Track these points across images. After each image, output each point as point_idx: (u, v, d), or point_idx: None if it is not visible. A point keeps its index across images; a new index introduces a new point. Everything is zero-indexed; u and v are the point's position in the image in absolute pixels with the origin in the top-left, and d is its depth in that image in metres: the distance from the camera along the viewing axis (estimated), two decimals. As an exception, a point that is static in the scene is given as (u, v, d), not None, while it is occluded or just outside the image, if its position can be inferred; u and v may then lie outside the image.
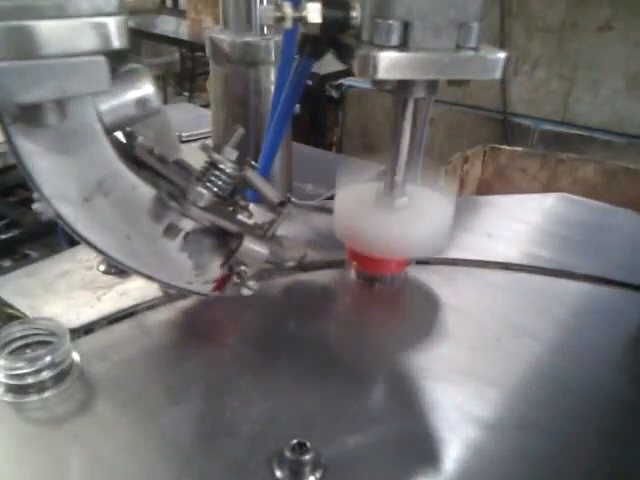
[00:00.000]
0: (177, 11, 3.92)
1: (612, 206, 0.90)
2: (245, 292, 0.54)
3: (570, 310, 0.64)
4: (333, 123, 2.74)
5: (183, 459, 0.45)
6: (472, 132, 2.38)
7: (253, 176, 0.58)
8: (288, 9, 0.51)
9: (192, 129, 1.55)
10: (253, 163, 0.60)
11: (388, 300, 0.66)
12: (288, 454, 0.44)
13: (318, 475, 0.44)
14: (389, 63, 0.50)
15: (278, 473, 0.44)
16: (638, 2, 1.94)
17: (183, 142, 1.50)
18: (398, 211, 0.61)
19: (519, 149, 2.04)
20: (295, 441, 0.44)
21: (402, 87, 0.55)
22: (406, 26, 0.50)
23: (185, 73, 3.99)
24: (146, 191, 0.49)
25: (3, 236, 2.43)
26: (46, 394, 0.49)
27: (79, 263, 0.67)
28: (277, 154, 1.24)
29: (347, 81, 2.60)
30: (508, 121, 2.30)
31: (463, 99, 2.35)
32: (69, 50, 0.37)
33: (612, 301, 0.67)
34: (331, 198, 0.87)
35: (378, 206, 0.62)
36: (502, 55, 0.53)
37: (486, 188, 2.06)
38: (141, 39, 3.65)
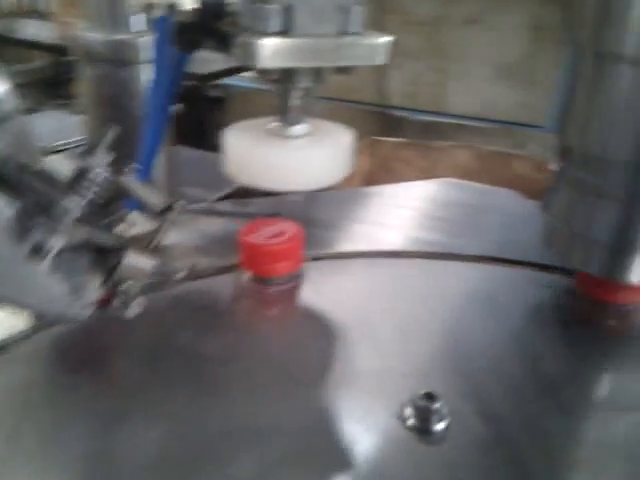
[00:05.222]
0: (37, 13, 3.64)
1: (491, 187, 0.92)
2: (130, 314, 0.48)
3: (462, 291, 0.64)
4: (216, 124, 2.66)
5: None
6: (354, 126, 2.39)
7: (130, 182, 0.52)
8: (156, -5, 0.46)
9: (65, 137, 1.44)
10: (129, 167, 0.54)
11: (285, 301, 0.63)
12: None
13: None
14: (271, 50, 0.47)
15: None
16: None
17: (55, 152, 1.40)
18: (295, 138, 0.57)
19: (397, 140, 2.09)
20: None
21: (287, 76, 0.52)
22: (287, 11, 0.47)
23: (59, 79, 3.73)
24: (2, 206, 0.42)
25: None
26: None
27: None
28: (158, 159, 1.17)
29: (229, 80, 2.53)
30: (387, 114, 2.35)
31: (343, 94, 2.37)
32: None
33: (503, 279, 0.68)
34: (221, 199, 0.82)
35: (272, 134, 0.57)
36: (386, 40, 0.51)
37: (373, 181, 2.08)
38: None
